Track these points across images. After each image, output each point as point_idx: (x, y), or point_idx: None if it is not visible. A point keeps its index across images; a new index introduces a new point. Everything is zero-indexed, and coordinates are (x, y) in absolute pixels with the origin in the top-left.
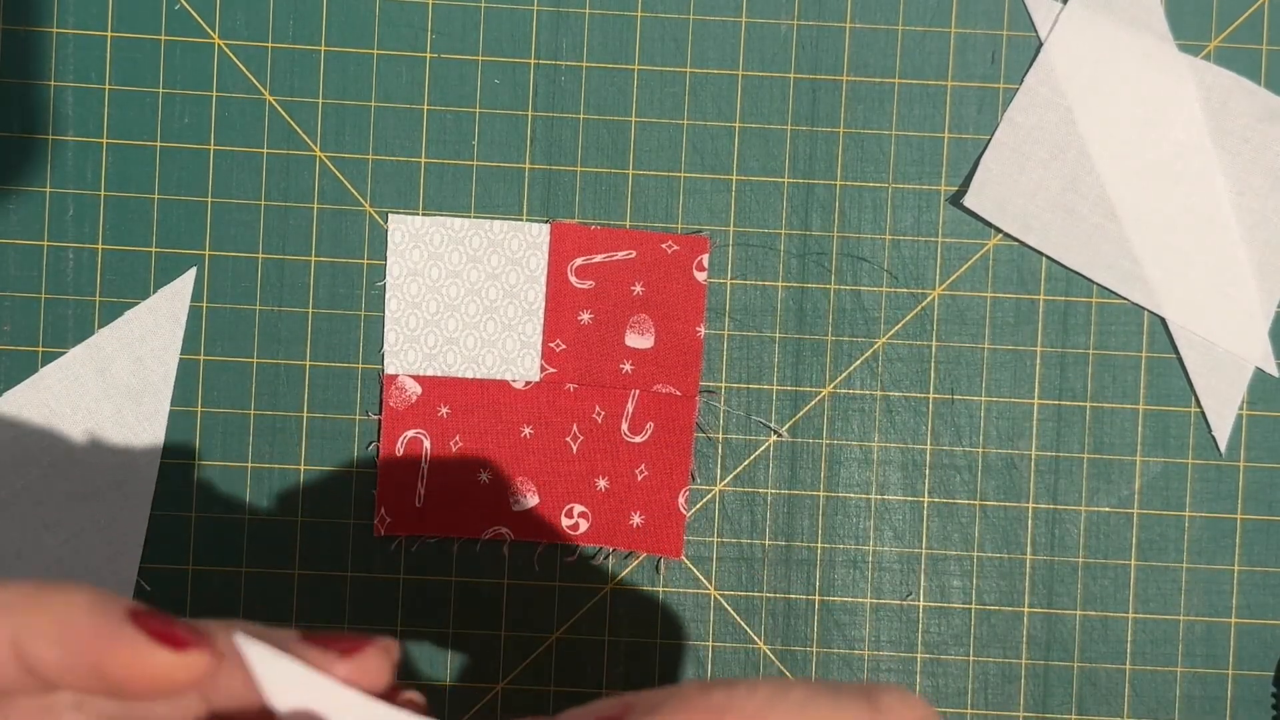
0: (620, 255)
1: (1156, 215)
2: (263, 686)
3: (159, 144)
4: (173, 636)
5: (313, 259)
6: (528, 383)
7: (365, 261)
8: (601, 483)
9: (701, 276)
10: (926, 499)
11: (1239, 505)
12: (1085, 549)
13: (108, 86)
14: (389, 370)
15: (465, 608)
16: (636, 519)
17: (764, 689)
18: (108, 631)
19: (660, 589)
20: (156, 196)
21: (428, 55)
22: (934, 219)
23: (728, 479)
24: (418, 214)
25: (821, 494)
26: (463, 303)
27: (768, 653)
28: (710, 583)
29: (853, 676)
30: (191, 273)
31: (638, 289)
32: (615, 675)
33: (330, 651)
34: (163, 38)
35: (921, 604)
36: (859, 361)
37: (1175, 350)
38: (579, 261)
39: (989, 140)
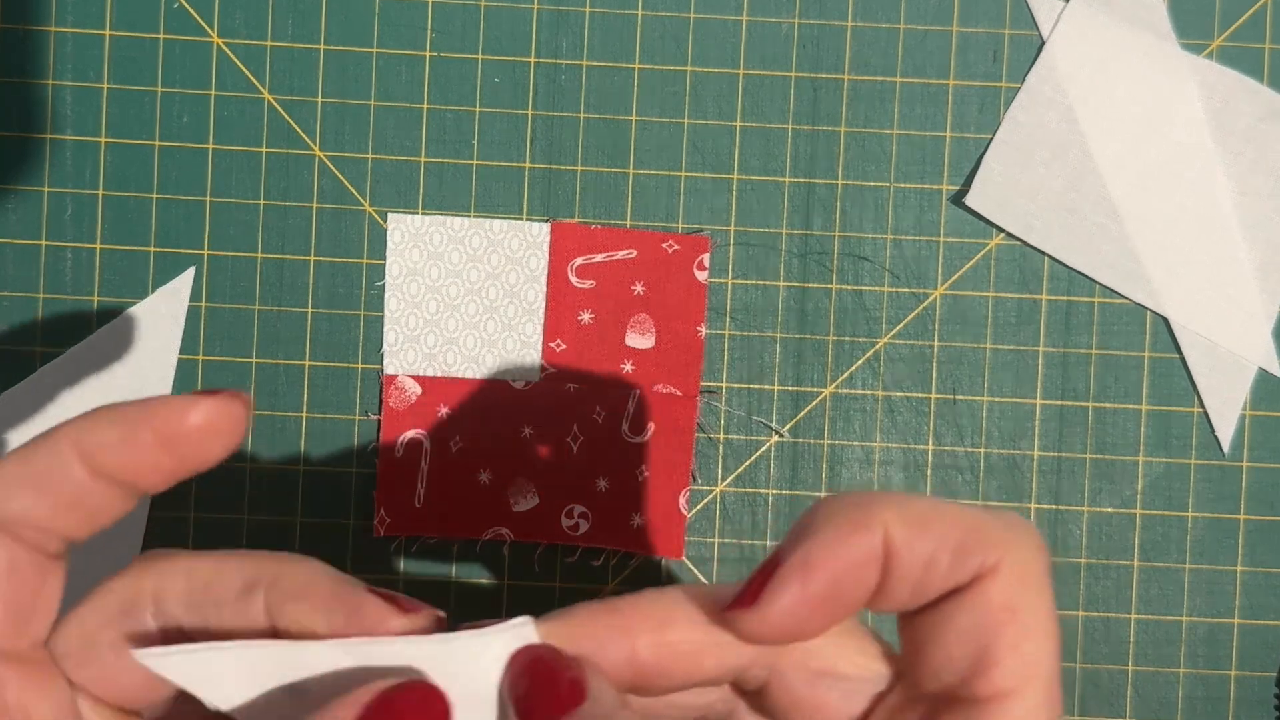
0: (621, 255)
1: (1158, 215)
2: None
3: (158, 143)
4: (400, 603)
5: (312, 259)
6: (528, 383)
7: (365, 261)
8: (602, 483)
9: (702, 276)
10: None
11: (1242, 506)
12: (1087, 549)
13: (106, 85)
14: (389, 370)
15: (465, 608)
16: (637, 519)
17: (668, 595)
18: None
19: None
20: (155, 196)
21: (428, 54)
22: (935, 218)
23: (728, 479)
24: (417, 213)
25: (823, 494)
26: (463, 302)
27: None
28: (710, 583)
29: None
30: (190, 272)
31: (638, 289)
32: None
33: (390, 605)
34: (161, 36)
35: None
36: (860, 361)
37: (1178, 350)
38: (579, 261)
39: (991, 139)
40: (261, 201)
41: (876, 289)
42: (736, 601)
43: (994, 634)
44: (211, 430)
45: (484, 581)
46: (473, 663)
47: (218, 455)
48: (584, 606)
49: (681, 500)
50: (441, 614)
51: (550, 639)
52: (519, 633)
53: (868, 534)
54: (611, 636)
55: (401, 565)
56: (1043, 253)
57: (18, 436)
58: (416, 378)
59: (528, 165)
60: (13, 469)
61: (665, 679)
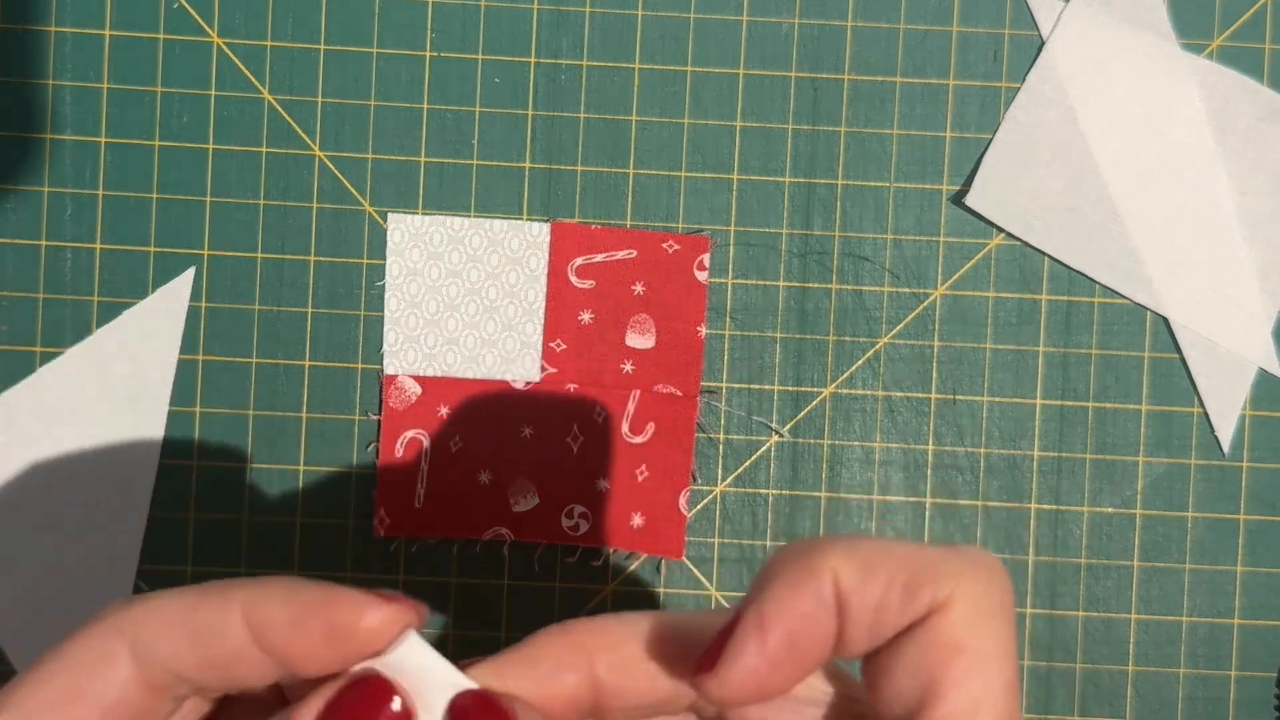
0: (621, 255)
1: (1159, 215)
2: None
3: (157, 143)
4: (382, 595)
5: (312, 259)
6: (528, 383)
7: (365, 261)
8: (602, 483)
9: (702, 276)
10: (928, 499)
11: (1242, 506)
12: (1088, 549)
13: (106, 85)
14: (389, 370)
15: (465, 608)
16: (637, 519)
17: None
18: (334, 593)
19: (661, 590)
20: (155, 196)
21: (428, 54)
22: (936, 218)
23: (729, 479)
24: (417, 213)
25: (823, 494)
26: (463, 302)
27: None
28: (711, 583)
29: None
30: (190, 272)
31: (638, 289)
32: None
33: (371, 595)
34: (161, 36)
35: None
36: (860, 361)
37: (1178, 350)
38: (579, 261)
39: (991, 139)
40: (261, 201)
41: (876, 289)
42: (699, 665)
43: (940, 669)
44: (382, 635)
45: (484, 581)
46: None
47: (375, 652)
48: (547, 629)
49: (681, 500)
50: (422, 606)
51: (510, 661)
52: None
53: (817, 581)
54: (571, 655)
55: (401, 565)
56: (1043, 253)
57: (18, 436)
58: (416, 378)
59: (528, 165)
60: (177, 611)
61: (622, 700)
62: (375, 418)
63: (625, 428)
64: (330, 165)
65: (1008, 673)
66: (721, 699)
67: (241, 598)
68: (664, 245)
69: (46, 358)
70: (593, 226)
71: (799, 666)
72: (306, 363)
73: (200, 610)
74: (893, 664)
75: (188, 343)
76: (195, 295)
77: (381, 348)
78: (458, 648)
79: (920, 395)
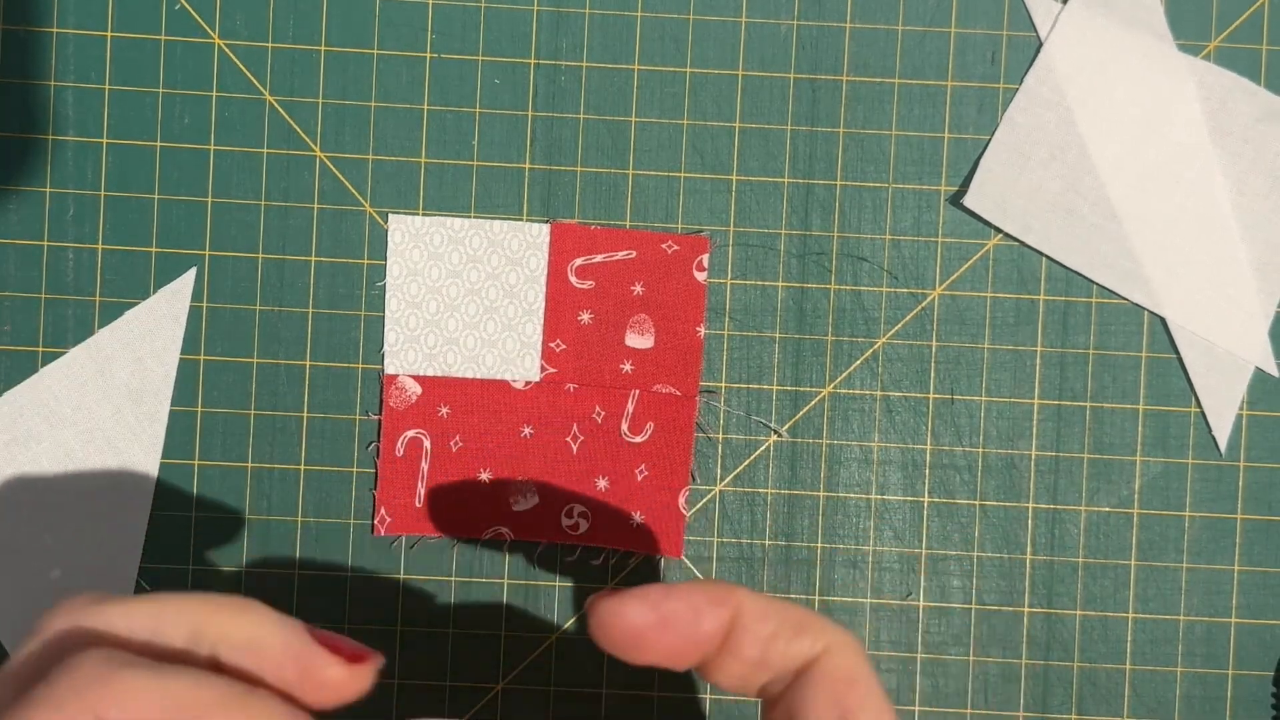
0: (620, 255)
1: (1156, 215)
2: None
3: (159, 144)
4: (345, 652)
5: (313, 259)
6: (528, 383)
7: (365, 261)
8: (601, 483)
9: (701, 276)
10: (926, 499)
11: (1239, 505)
12: (1085, 549)
13: (108, 86)
14: (389, 370)
15: (465, 608)
16: (636, 519)
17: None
18: (301, 650)
19: None
20: (156, 196)
21: (428, 55)
22: (934, 219)
23: (728, 479)
24: (418, 214)
25: (821, 494)
26: (463, 303)
27: None
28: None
29: None
30: (191, 273)
31: (638, 289)
32: (615, 675)
33: (332, 655)
34: (163, 38)
35: (921, 604)
36: (859, 361)
37: (1175, 350)
38: (579, 261)
39: (989, 140)
40: (262, 202)
41: (875, 289)
42: (606, 593)
43: (847, 699)
44: (340, 688)
45: (484, 581)
46: None
47: (330, 705)
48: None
49: (681, 500)
50: (380, 661)
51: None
52: None
53: (721, 599)
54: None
55: (401, 565)
56: (1041, 253)
57: (20, 436)
58: (416, 378)
59: (528, 166)
60: (154, 695)
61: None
62: (375, 418)
63: (625, 428)
64: (331, 166)
65: (884, 693)
66: (594, 622)
67: (209, 632)
68: (663, 245)
69: (49, 358)
70: (592, 227)
71: (664, 642)
72: (307, 363)
73: (168, 682)
74: (810, 707)
75: (189, 343)
76: (196, 295)
77: (382, 348)
78: (457, 647)
79: (918, 395)
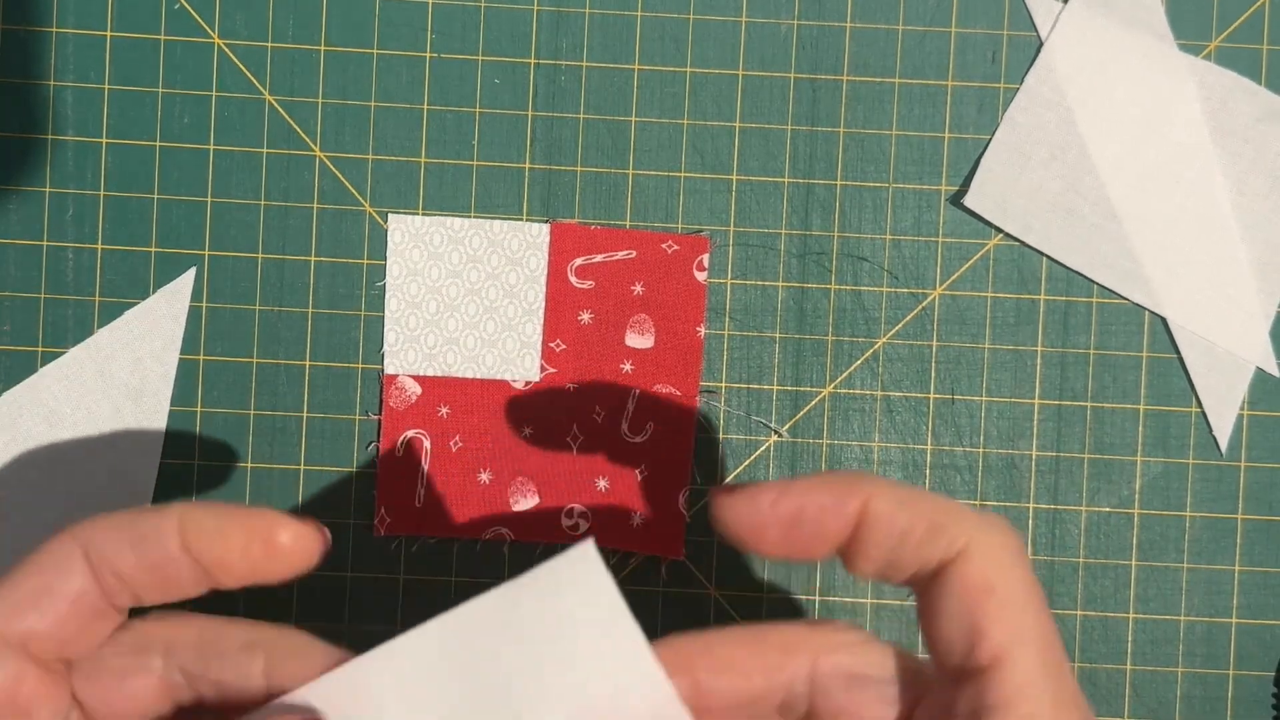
0: (620, 255)
1: (1157, 215)
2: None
3: (159, 144)
4: (297, 519)
5: (313, 259)
6: (528, 383)
7: (365, 261)
8: (601, 483)
9: (701, 276)
10: None
11: (1239, 505)
12: (1085, 549)
13: (107, 86)
14: (389, 370)
15: None
16: (636, 519)
17: None
18: (255, 510)
19: (660, 589)
20: (156, 196)
21: (428, 55)
22: (934, 219)
23: (728, 479)
24: (418, 214)
25: None
26: (463, 303)
27: None
28: (710, 583)
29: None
30: (191, 273)
31: (638, 289)
32: None
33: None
34: (162, 37)
35: None
36: (859, 362)
37: (1176, 350)
38: (579, 261)
39: (989, 140)
40: (262, 202)
41: (875, 289)
42: (724, 489)
43: (977, 611)
44: (291, 552)
45: (484, 581)
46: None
47: (283, 575)
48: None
49: (681, 500)
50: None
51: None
52: None
53: (847, 495)
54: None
55: (402, 565)
56: (1041, 253)
57: (20, 436)
58: (416, 378)
59: (527, 166)
60: (123, 520)
61: (718, 699)
62: (375, 418)
63: (625, 427)
64: (331, 166)
65: (1037, 606)
66: (718, 517)
67: (178, 510)
68: (663, 245)
69: (48, 358)
70: (592, 227)
71: (791, 539)
72: (307, 363)
73: (141, 520)
74: (937, 619)
75: (189, 343)
76: (196, 295)
77: (381, 348)
78: None
79: (919, 395)
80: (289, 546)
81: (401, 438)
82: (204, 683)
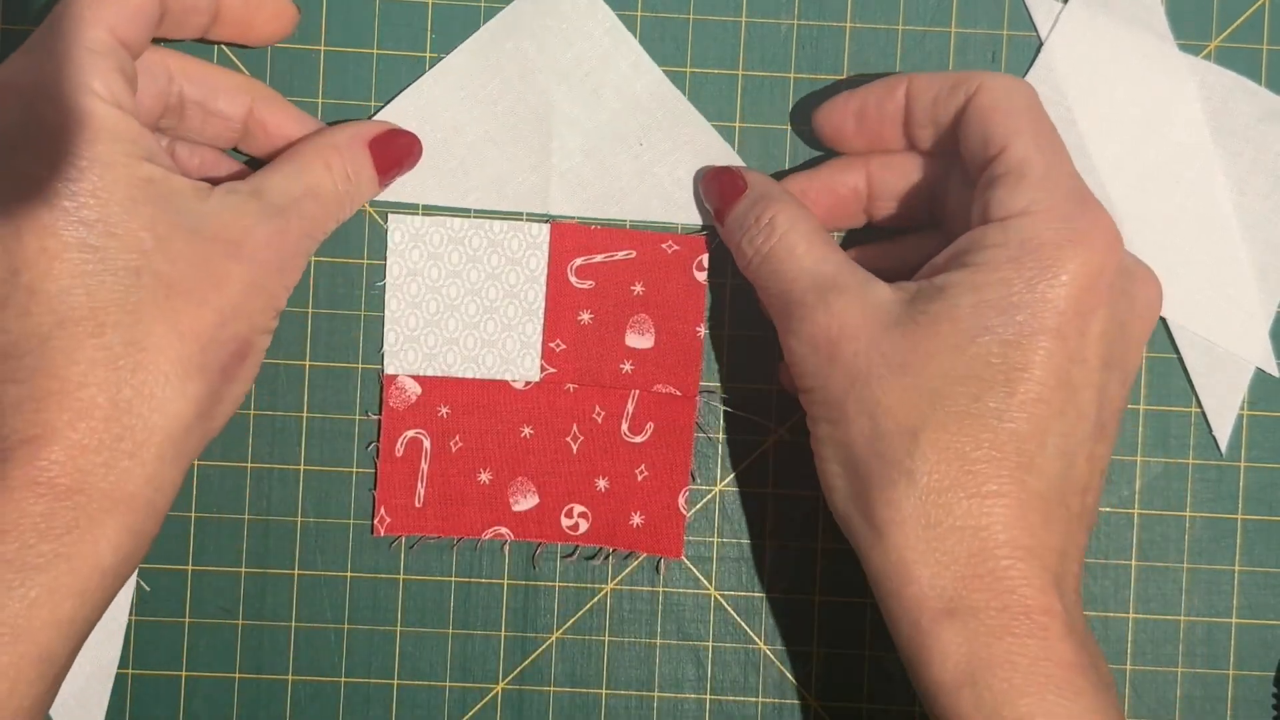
0: (620, 255)
1: (1157, 215)
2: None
3: None
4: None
5: (313, 259)
6: (528, 383)
7: (365, 261)
8: (601, 483)
9: (702, 276)
10: None
11: (1239, 505)
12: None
13: None
14: (389, 370)
15: (465, 608)
16: (636, 519)
17: None
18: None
19: (660, 589)
20: None
21: (428, 55)
22: None
23: (728, 479)
24: (418, 214)
25: (822, 493)
26: (463, 303)
27: (768, 653)
28: (710, 583)
29: (854, 675)
30: None
31: (638, 289)
32: (615, 675)
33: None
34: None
35: None
36: None
37: (1176, 350)
38: (579, 261)
39: None
40: None
41: None
42: (817, 110)
43: (988, 125)
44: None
45: (484, 581)
46: None
47: (261, 37)
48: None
49: (681, 500)
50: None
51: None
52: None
53: (892, 84)
54: (853, 163)
55: (402, 565)
56: None
57: None
58: (416, 378)
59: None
60: None
61: (887, 188)
62: (375, 418)
63: (625, 427)
64: None
65: (1034, 113)
66: (815, 123)
67: None
68: (663, 245)
69: None
70: (592, 227)
71: (864, 127)
72: (306, 363)
73: None
74: (965, 141)
75: None
76: None
77: (381, 348)
78: (457, 647)
79: None
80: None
81: (401, 438)
82: (196, 108)
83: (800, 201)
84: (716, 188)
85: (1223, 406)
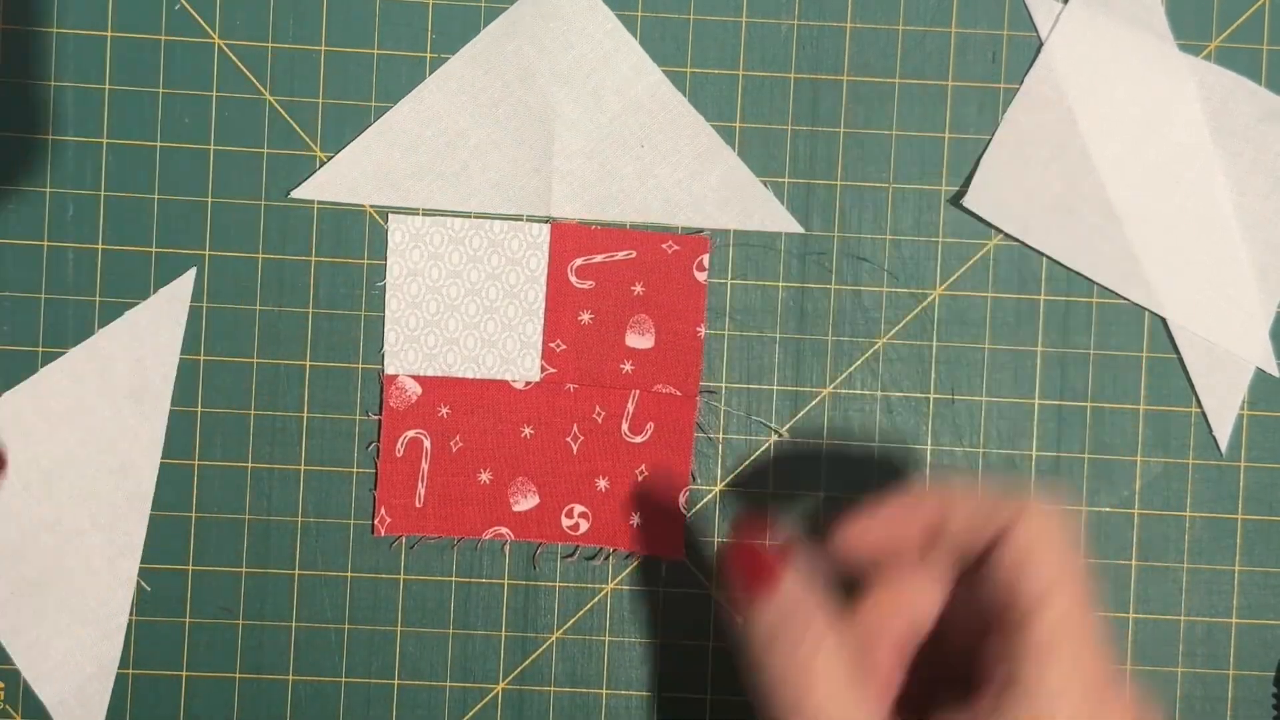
0: (620, 255)
1: (1157, 215)
2: None
3: (159, 144)
4: None
5: (313, 259)
6: (528, 383)
7: (365, 261)
8: (601, 483)
9: (702, 276)
10: None
11: (1239, 505)
12: (1086, 549)
13: (108, 86)
14: (389, 370)
15: (465, 608)
16: (636, 519)
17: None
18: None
19: (660, 589)
20: (156, 197)
21: (428, 55)
22: (934, 219)
23: (728, 479)
24: (418, 214)
25: (822, 494)
26: (463, 303)
27: None
28: (710, 583)
29: None
30: (191, 273)
31: (638, 289)
32: (615, 675)
33: None
34: (163, 38)
35: None
36: (859, 361)
37: (1176, 350)
38: (579, 261)
39: (989, 140)
40: (262, 202)
41: (875, 289)
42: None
43: (1019, 570)
44: None
45: (484, 581)
46: None
47: None
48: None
49: (681, 500)
50: None
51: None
52: None
53: (916, 504)
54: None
55: (402, 565)
56: (1041, 253)
57: (20, 436)
58: (416, 378)
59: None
60: None
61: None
62: (375, 418)
63: (625, 428)
64: None
65: (1070, 563)
66: (835, 545)
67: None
68: (664, 246)
69: (49, 358)
70: (592, 227)
71: (891, 539)
72: (307, 363)
73: None
74: (984, 586)
75: (189, 343)
76: (196, 295)
77: (382, 348)
78: (457, 647)
79: (919, 395)
80: None
81: (401, 438)
82: None
83: (839, 619)
84: (743, 571)
85: (1223, 406)
